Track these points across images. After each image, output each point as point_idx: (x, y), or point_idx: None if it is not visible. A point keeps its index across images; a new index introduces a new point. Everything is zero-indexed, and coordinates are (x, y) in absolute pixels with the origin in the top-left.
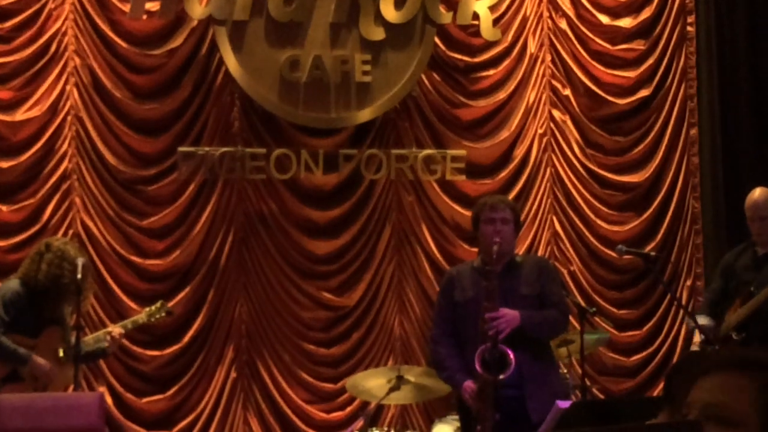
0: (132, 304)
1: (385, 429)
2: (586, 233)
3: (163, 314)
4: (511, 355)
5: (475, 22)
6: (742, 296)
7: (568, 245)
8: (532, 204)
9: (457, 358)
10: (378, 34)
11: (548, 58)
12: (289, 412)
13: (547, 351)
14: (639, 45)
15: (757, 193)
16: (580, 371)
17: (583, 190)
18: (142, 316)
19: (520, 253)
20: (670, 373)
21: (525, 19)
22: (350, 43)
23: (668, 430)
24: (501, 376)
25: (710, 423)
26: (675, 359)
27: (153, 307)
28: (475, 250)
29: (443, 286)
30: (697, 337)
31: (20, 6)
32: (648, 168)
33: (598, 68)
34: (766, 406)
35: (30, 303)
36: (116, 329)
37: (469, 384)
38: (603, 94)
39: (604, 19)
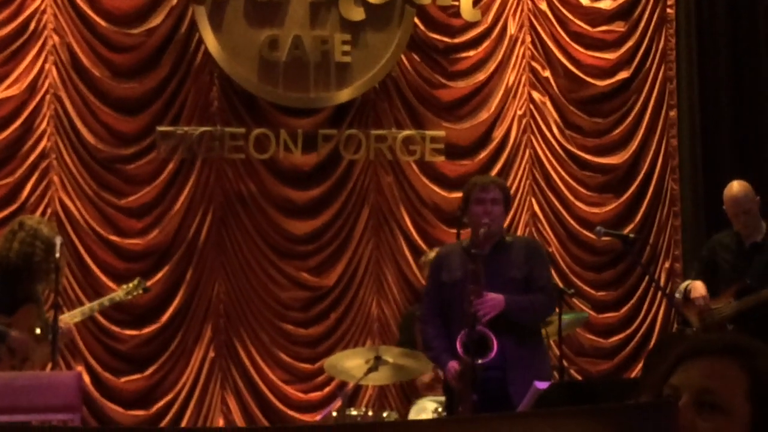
0: (110, 284)
1: (363, 409)
2: (565, 214)
3: (140, 291)
4: (494, 339)
5: (455, 3)
6: (736, 286)
7: (546, 226)
8: (511, 185)
9: (443, 338)
10: (358, 14)
11: (528, 39)
12: (267, 391)
13: (533, 335)
14: (619, 27)
15: (735, 188)
16: (557, 352)
17: (562, 172)
18: (119, 293)
19: None
20: (649, 356)
21: (505, 0)
22: (330, 23)
23: (643, 409)
24: (480, 360)
25: (704, 409)
26: (653, 341)
27: (130, 284)
28: (454, 230)
29: (432, 266)
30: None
31: None
32: (627, 150)
33: (578, 50)
34: (758, 395)
35: (3, 282)
36: (90, 308)
37: (453, 365)
38: (582, 76)
39: (584, 0)
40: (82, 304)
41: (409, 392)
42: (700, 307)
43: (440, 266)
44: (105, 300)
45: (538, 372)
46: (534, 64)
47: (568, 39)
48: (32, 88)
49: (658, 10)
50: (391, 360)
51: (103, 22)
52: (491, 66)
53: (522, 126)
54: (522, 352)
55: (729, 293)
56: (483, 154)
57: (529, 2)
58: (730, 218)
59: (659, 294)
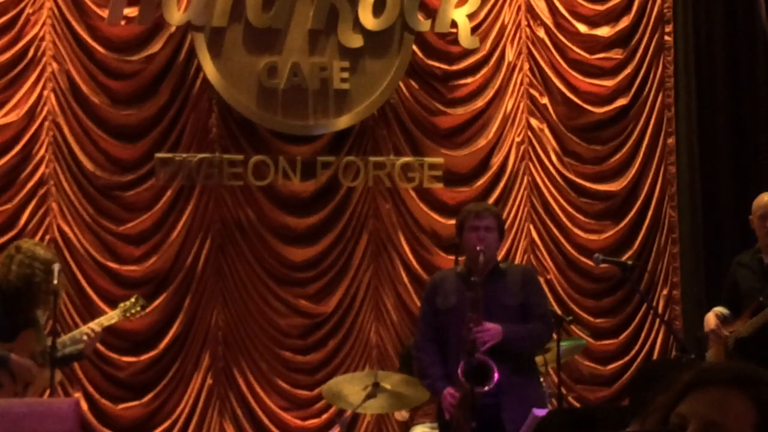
0: (108, 311)
1: None
2: (563, 242)
3: (138, 308)
4: (494, 368)
5: (454, 30)
6: (752, 306)
7: (545, 253)
8: (509, 212)
9: (439, 365)
10: (356, 41)
11: (526, 66)
12: (264, 419)
13: (527, 363)
14: (617, 54)
15: (766, 197)
16: (556, 379)
17: (560, 199)
18: (117, 312)
19: None
20: (637, 382)
21: (503, 28)
22: (328, 50)
23: None
24: (486, 388)
25: None
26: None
27: (127, 302)
28: (452, 257)
29: (426, 293)
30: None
31: None
32: (625, 177)
33: (576, 77)
34: (766, 429)
35: (4, 307)
36: (91, 328)
37: (449, 391)
38: (581, 103)
39: (582, 28)
40: None
41: (407, 419)
42: (715, 340)
43: (435, 292)
44: (103, 320)
45: (531, 398)
46: (532, 91)
47: (566, 66)
48: (31, 114)
49: (656, 38)
50: (389, 387)
51: (101, 49)
52: (489, 93)
53: (520, 153)
54: (516, 379)
55: (747, 313)
56: (481, 181)
57: (527, 29)
58: (755, 228)
59: (657, 321)
